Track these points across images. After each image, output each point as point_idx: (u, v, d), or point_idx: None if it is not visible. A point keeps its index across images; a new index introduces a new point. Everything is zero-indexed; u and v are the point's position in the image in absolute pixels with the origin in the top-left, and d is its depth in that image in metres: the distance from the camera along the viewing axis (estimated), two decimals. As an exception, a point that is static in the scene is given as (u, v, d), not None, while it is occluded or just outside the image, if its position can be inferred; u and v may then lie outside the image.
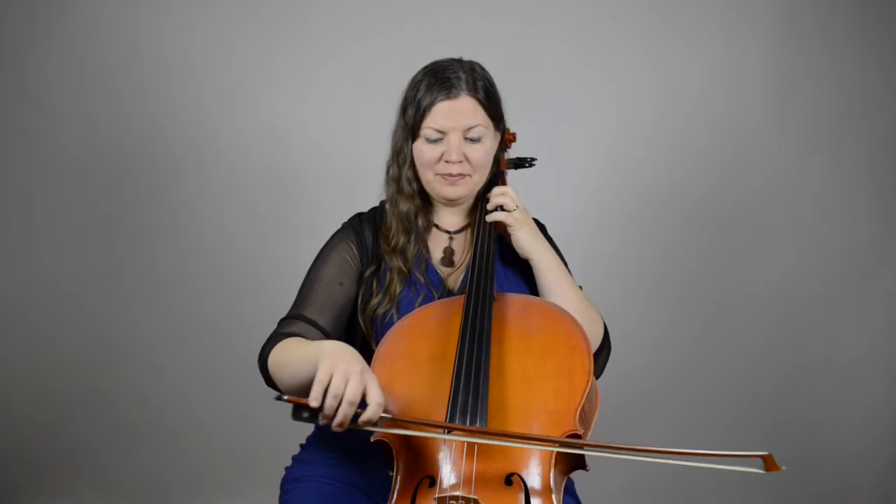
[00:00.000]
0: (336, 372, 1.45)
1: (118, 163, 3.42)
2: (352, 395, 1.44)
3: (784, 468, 1.40)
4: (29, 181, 3.41)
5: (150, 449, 3.39)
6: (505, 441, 1.50)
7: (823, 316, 3.58)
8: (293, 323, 1.80)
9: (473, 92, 1.86)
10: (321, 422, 1.46)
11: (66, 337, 3.40)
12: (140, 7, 3.40)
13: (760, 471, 1.42)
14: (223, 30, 3.44)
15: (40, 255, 3.40)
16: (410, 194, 1.93)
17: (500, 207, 1.88)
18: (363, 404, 1.47)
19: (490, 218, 1.87)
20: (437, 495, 1.50)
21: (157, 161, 3.43)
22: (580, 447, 1.50)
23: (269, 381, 1.73)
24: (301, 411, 1.45)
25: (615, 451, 1.47)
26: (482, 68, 1.91)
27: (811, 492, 3.45)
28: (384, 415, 1.48)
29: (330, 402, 1.44)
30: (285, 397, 1.44)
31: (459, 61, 1.90)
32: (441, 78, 1.85)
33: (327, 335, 1.79)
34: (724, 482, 3.41)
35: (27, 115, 3.39)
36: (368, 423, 1.47)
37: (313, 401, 1.44)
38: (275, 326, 1.81)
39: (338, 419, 1.45)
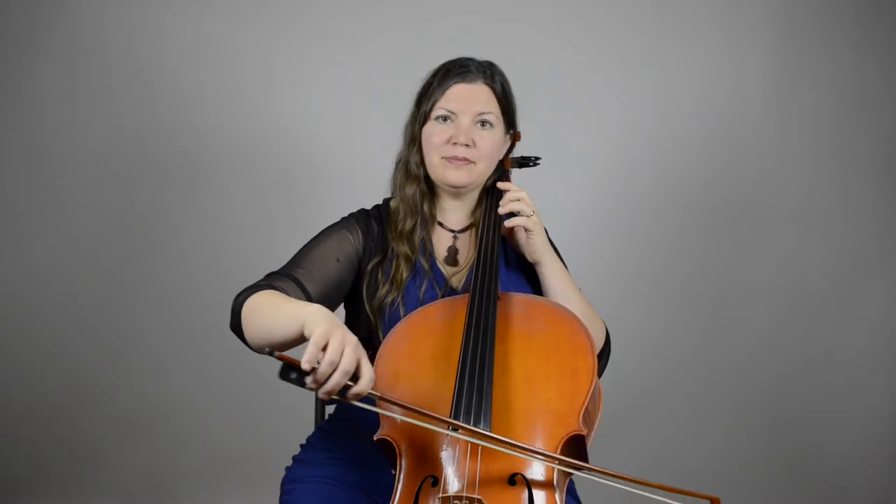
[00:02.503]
0: (333, 338, 1.42)
1: (118, 163, 3.42)
2: (347, 364, 1.41)
3: None
4: (29, 181, 3.40)
5: (150, 449, 3.39)
6: (505, 449, 1.49)
7: (823, 316, 3.58)
8: (281, 279, 1.77)
9: (490, 81, 1.89)
10: (308, 385, 1.42)
11: (66, 337, 3.39)
12: (142, 7, 3.40)
13: None
14: (226, 29, 3.44)
15: (40, 255, 3.40)
16: (416, 177, 1.94)
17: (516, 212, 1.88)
18: (353, 377, 1.44)
19: (510, 223, 1.86)
20: (440, 495, 1.50)
21: (157, 161, 3.43)
22: (579, 468, 1.52)
23: (235, 325, 1.69)
24: (290, 371, 1.40)
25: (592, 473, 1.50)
26: (501, 70, 1.95)
27: (811, 491, 3.45)
28: (373, 392, 1.46)
29: (324, 369, 1.40)
30: (276, 353, 1.39)
31: (478, 59, 1.94)
32: (458, 66, 1.89)
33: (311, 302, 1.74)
34: (723, 482, 3.41)
35: (27, 116, 3.38)
36: (357, 396, 1.45)
37: (306, 363, 1.40)
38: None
39: (328, 386, 1.41)
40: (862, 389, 3.57)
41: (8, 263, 3.38)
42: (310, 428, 2.05)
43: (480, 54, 1.97)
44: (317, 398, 2.12)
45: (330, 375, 1.41)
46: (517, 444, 1.50)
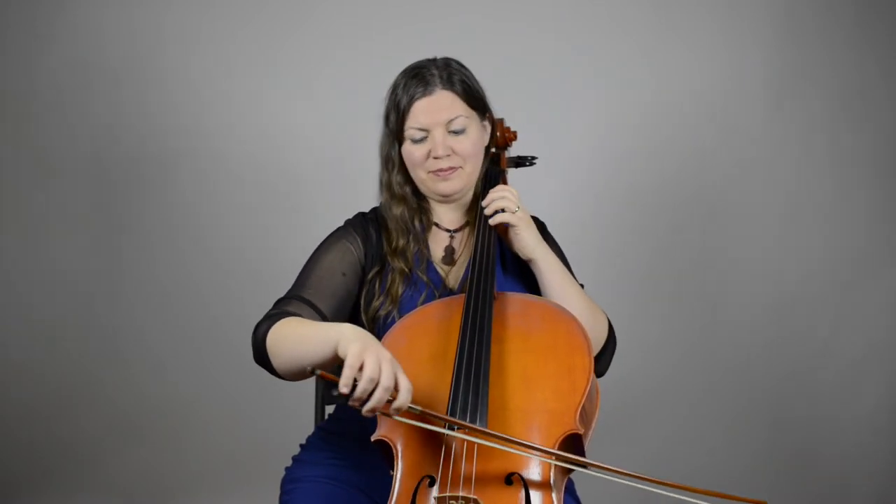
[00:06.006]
0: (368, 357, 1.43)
1: (118, 162, 3.42)
2: (387, 380, 1.43)
3: None
4: (29, 180, 3.41)
5: (150, 449, 3.39)
6: (511, 448, 1.49)
7: (823, 316, 3.58)
8: (293, 303, 1.76)
9: (449, 85, 1.87)
10: (351, 404, 1.44)
11: (66, 337, 3.40)
12: (142, 7, 3.40)
13: None
14: (226, 29, 3.44)
15: (40, 255, 3.40)
16: (402, 196, 1.93)
17: (501, 209, 1.88)
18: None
19: (493, 221, 1.85)
20: (437, 495, 1.50)
21: (157, 161, 3.43)
22: (598, 468, 1.50)
23: (260, 359, 1.69)
24: (335, 389, 1.43)
25: (623, 476, 1.49)
26: (458, 63, 1.92)
27: (811, 491, 3.44)
28: (412, 406, 1.47)
29: (364, 387, 1.42)
30: (318, 372, 1.42)
31: (433, 60, 1.92)
32: (416, 77, 1.87)
33: (326, 321, 1.75)
34: (723, 482, 3.40)
35: (27, 115, 3.39)
36: (398, 410, 1.46)
37: (343, 386, 1.41)
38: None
39: (371, 404, 1.43)
40: (862, 389, 3.57)
41: (8, 263, 3.39)
42: (310, 428, 2.05)
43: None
44: (316, 397, 2.12)
45: (371, 393, 1.43)
46: (512, 439, 1.49)
